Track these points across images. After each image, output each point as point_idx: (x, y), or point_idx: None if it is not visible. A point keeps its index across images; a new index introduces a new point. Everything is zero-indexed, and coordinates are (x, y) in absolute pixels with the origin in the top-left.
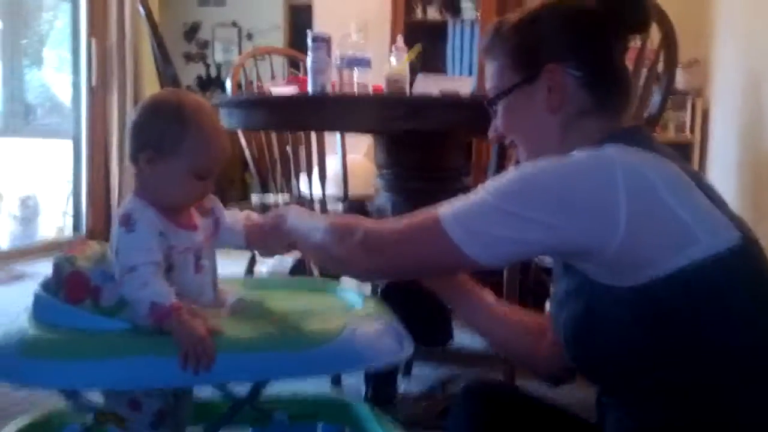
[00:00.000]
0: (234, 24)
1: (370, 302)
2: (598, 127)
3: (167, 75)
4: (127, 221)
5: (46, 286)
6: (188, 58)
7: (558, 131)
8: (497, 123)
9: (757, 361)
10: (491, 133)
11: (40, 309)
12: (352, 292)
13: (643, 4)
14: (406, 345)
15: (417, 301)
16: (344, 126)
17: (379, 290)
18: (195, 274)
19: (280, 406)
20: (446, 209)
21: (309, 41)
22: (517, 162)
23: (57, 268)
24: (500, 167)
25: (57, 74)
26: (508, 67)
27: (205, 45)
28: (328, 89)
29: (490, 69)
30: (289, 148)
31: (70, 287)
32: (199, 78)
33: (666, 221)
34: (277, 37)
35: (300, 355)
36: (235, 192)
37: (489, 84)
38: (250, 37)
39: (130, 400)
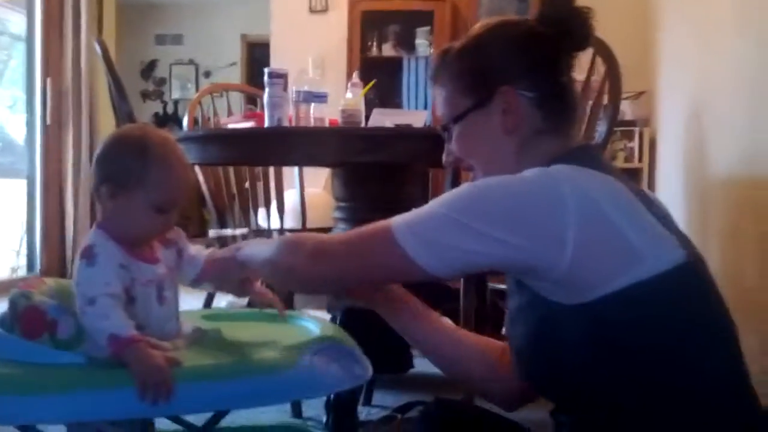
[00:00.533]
0: (191, 61)
1: (328, 328)
2: (550, 146)
3: (123, 112)
4: (89, 254)
5: (2, 322)
6: (145, 95)
7: (513, 152)
8: (451, 148)
9: (703, 380)
10: (446, 158)
11: None
12: (310, 320)
13: (587, 21)
14: (365, 369)
15: (376, 329)
16: (301, 160)
17: (338, 319)
18: (158, 306)
19: None
20: (398, 219)
21: (265, 77)
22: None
23: (12, 303)
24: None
25: (11, 114)
26: (458, 92)
27: (162, 82)
28: (285, 123)
29: (440, 96)
30: (246, 183)
31: (26, 321)
32: (156, 115)
33: (612, 241)
34: (234, 73)
35: (258, 383)
36: (192, 227)
37: (440, 110)
38: (207, 74)
39: None
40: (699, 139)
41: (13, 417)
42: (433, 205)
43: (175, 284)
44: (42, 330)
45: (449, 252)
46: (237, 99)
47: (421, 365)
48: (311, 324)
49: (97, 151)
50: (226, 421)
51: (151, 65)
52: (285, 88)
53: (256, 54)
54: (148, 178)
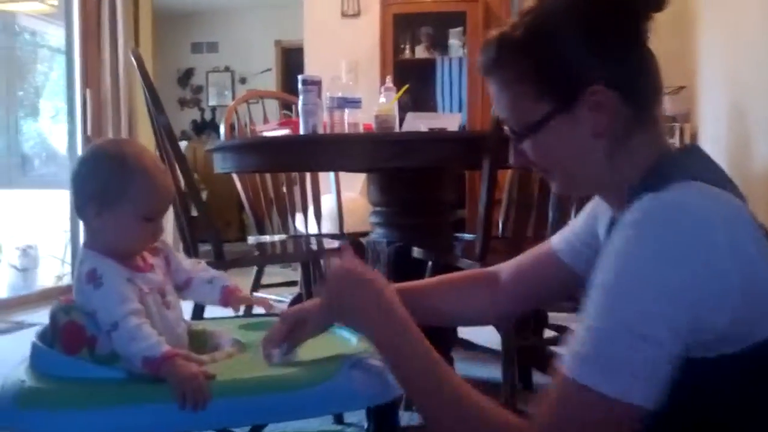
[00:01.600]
0: (227, 69)
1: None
2: (645, 145)
3: (159, 123)
4: (93, 277)
5: (43, 336)
6: (182, 103)
7: (604, 156)
8: (523, 149)
9: None
10: (515, 160)
11: (37, 359)
12: (347, 330)
13: None
14: None
15: None
16: (336, 166)
17: None
18: (166, 311)
19: None
20: (571, 363)
21: (300, 84)
22: (543, 189)
23: (53, 318)
24: (490, 198)
25: (54, 125)
26: (529, 95)
27: (199, 90)
28: (320, 130)
29: (502, 96)
30: (284, 188)
31: (66, 337)
32: (194, 122)
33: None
34: (269, 80)
35: (296, 396)
36: (232, 232)
37: (503, 111)
38: (243, 81)
39: None
40: (742, 135)
41: None
42: (586, 325)
43: (173, 288)
44: (81, 345)
45: (643, 367)
46: (273, 105)
47: (463, 368)
48: (349, 334)
49: (73, 170)
50: (268, 429)
51: (188, 73)
52: (319, 95)
53: (291, 59)
54: (132, 190)
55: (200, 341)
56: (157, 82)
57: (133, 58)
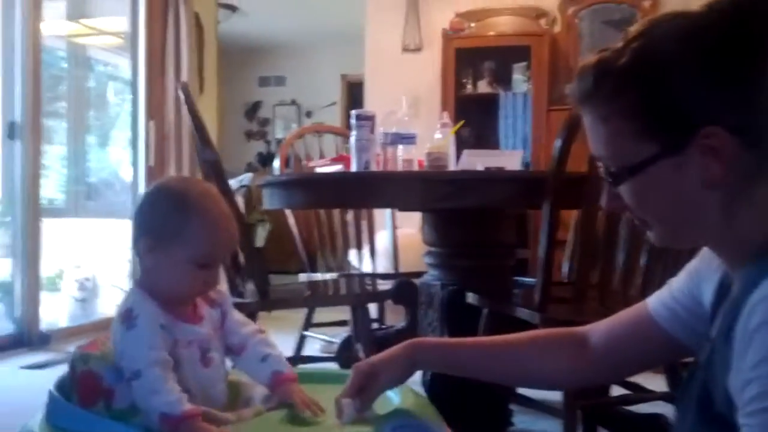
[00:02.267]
0: (293, 102)
1: (409, 396)
2: None
3: (204, 158)
4: (128, 317)
5: (62, 384)
6: (249, 135)
7: (717, 209)
8: (618, 192)
9: None
10: (608, 203)
11: (52, 411)
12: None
13: None
14: None
15: (469, 388)
16: (385, 205)
17: (425, 380)
18: (203, 369)
19: None
20: None
21: (352, 119)
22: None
23: (72, 366)
24: (550, 243)
25: (122, 155)
26: (631, 132)
27: (265, 123)
28: (372, 167)
29: (598, 129)
30: (338, 226)
31: (83, 387)
32: (260, 155)
33: None
34: (335, 113)
35: None
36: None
37: (599, 148)
38: (309, 114)
39: None
40: None
41: None
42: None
43: (221, 346)
44: (98, 397)
45: None
46: (333, 139)
47: (521, 423)
48: (391, 391)
49: (138, 203)
50: None
51: (255, 106)
52: (372, 131)
53: (356, 93)
54: (187, 232)
55: (232, 393)
56: (224, 115)
57: (181, 92)
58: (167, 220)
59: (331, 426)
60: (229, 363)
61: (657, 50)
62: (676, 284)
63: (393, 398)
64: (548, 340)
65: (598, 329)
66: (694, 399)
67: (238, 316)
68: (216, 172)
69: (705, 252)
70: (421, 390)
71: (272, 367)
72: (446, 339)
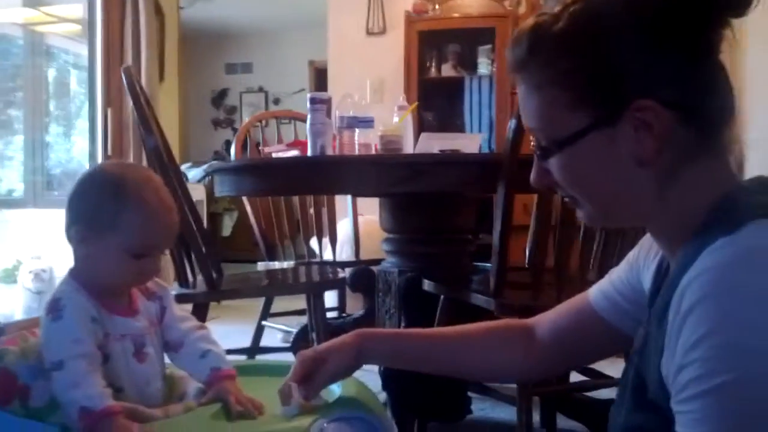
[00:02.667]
0: (261, 89)
1: (351, 387)
2: (708, 177)
3: (148, 146)
4: (55, 308)
5: None
6: (216, 123)
7: (650, 187)
8: (547, 168)
9: None
10: (536, 178)
11: None
12: None
13: None
14: None
15: (426, 376)
16: (337, 191)
17: (380, 368)
18: (137, 364)
19: None
20: None
21: (308, 103)
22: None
23: None
24: (505, 227)
25: (81, 143)
26: (564, 102)
27: (233, 110)
28: (329, 152)
29: (530, 98)
30: (298, 214)
31: None
32: (227, 143)
33: None
34: (303, 99)
35: None
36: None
37: (530, 118)
38: (277, 101)
39: None
40: None
41: None
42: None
43: (160, 341)
44: (12, 396)
45: None
46: (298, 126)
47: (479, 411)
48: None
49: (71, 188)
50: None
51: (222, 94)
52: (328, 114)
53: (324, 79)
54: (121, 220)
55: (166, 388)
56: (189, 103)
57: (123, 76)
58: (101, 208)
59: (264, 420)
60: (166, 359)
61: (595, 14)
62: (617, 274)
63: (334, 388)
64: (497, 334)
65: (543, 322)
66: (629, 386)
67: (177, 311)
68: (159, 160)
69: (645, 240)
70: (377, 378)
71: (211, 364)
72: (395, 330)
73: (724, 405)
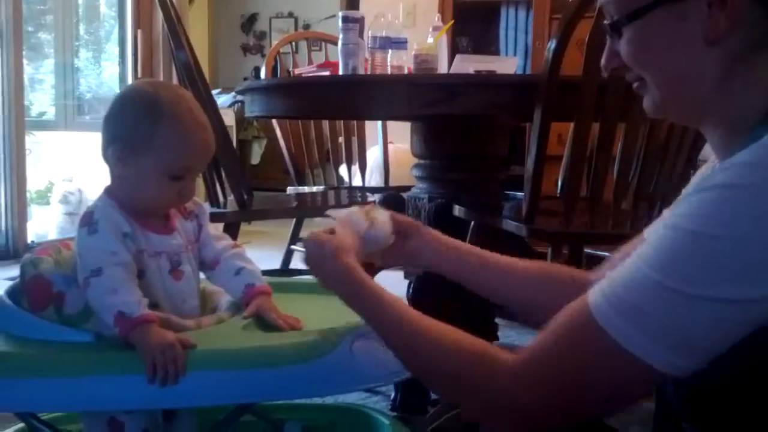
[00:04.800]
0: (290, 14)
1: None
2: None
3: (179, 61)
4: (89, 221)
5: (12, 292)
6: (246, 49)
7: (715, 71)
8: (618, 49)
9: None
10: (606, 62)
11: (2, 317)
12: None
13: None
14: None
15: (455, 297)
16: (368, 113)
17: (409, 290)
18: (173, 281)
19: (292, 415)
20: (601, 301)
21: (339, 22)
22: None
23: (22, 271)
24: (540, 152)
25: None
26: None
27: (262, 36)
28: (360, 72)
29: None
30: (328, 140)
31: (32, 292)
32: (256, 69)
33: None
34: (334, 25)
35: (286, 372)
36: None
37: None
38: (307, 27)
39: (110, 420)
40: None
41: (10, 403)
42: (643, 270)
43: (196, 260)
44: (48, 302)
45: (683, 334)
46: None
47: (506, 338)
48: None
49: (107, 109)
50: None
51: (252, 18)
52: (361, 35)
53: (356, 4)
54: (158, 140)
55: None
56: (218, 29)
57: None
58: (137, 127)
59: (293, 333)
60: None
61: None
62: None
63: None
64: (551, 276)
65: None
66: None
67: (213, 230)
68: (190, 76)
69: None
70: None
71: (245, 281)
72: (452, 239)
73: (683, 246)
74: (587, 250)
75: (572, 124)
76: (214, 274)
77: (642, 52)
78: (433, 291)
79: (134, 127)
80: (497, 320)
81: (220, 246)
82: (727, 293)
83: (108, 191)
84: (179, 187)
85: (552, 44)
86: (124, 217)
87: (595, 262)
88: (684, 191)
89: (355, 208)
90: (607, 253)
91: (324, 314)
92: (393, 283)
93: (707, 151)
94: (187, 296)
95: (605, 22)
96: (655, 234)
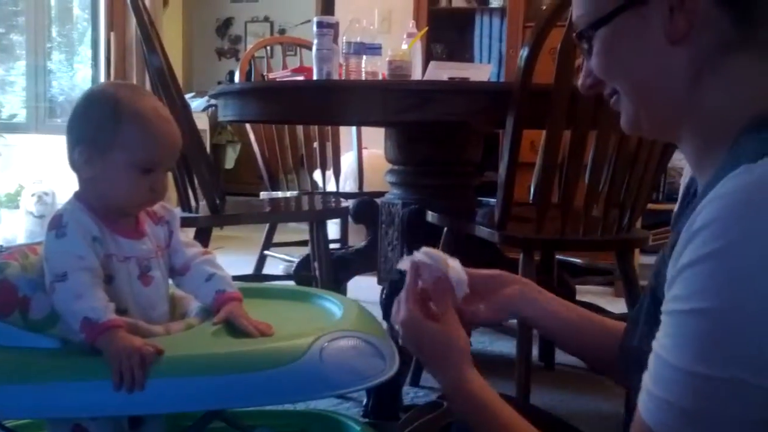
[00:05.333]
0: (266, 18)
1: (352, 312)
2: (751, 77)
3: (152, 65)
4: (58, 224)
5: None
6: (220, 53)
7: (684, 73)
8: (592, 65)
9: None
10: (582, 81)
11: None
12: (334, 299)
13: None
14: (389, 364)
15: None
16: (341, 119)
17: (382, 295)
18: (142, 287)
19: (262, 422)
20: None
21: (314, 27)
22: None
23: None
24: (512, 159)
25: (84, 70)
26: None
27: (237, 40)
28: (335, 78)
29: None
30: (302, 145)
31: None
32: (231, 73)
33: None
34: (309, 31)
35: (254, 378)
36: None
37: (577, 11)
38: (282, 32)
39: (74, 426)
40: None
41: None
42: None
43: (166, 264)
44: (12, 307)
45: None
46: (303, 55)
47: (478, 344)
48: (334, 305)
49: (71, 112)
50: None
51: (227, 23)
52: (335, 40)
53: (332, 10)
54: (124, 134)
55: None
56: (193, 33)
57: None
58: (102, 126)
59: (265, 339)
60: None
61: None
62: None
63: (335, 310)
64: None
65: None
66: (644, 308)
67: (184, 237)
68: (162, 80)
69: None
70: (376, 309)
71: (216, 287)
72: (552, 296)
73: (699, 327)
74: (558, 257)
75: (544, 132)
76: (184, 280)
77: (610, 61)
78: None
79: (98, 125)
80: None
81: (191, 252)
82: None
83: (77, 195)
84: (150, 181)
85: (524, 52)
86: (93, 221)
87: (566, 267)
88: (673, 216)
89: (430, 250)
90: (578, 260)
91: (296, 320)
92: (367, 288)
93: (676, 158)
94: (157, 302)
95: (574, 35)
96: (666, 318)
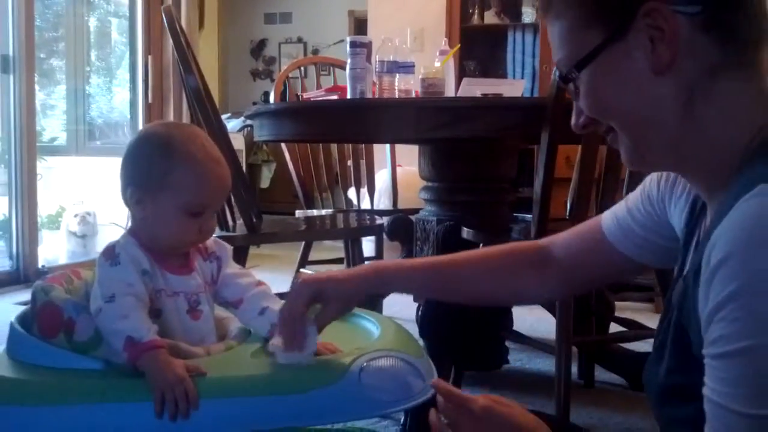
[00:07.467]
0: (300, 39)
1: (389, 331)
2: (744, 100)
3: (189, 86)
4: (111, 254)
5: (23, 318)
6: (255, 74)
7: (674, 100)
8: (581, 105)
9: None
10: (575, 121)
11: (12, 343)
12: (372, 319)
13: None
14: (426, 384)
15: (465, 323)
16: (375, 136)
17: (419, 312)
18: (191, 321)
19: None
20: None
21: (347, 47)
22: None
23: (33, 297)
24: (548, 174)
25: (122, 93)
26: (581, 22)
27: (271, 61)
28: (368, 96)
29: (556, 33)
30: (336, 161)
31: (42, 319)
32: (266, 93)
33: None
34: (342, 50)
35: (295, 400)
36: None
37: (556, 53)
38: (315, 52)
39: None
40: None
41: (16, 431)
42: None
43: (213, 298)
44: (58, 329)
45: None
46: (338, 75)
47: (517, 362)
48: (371, 323)
49: (124, 152)
50: None
51: (261, 44)
52: (368, 59)
53: (364, 30)
54: (174, 178)
55: None
56: (228, 54)
57: (164, 16)
58: (152, 168)
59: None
60: None
61: None
62: (632, 202)
63: (372, 331)
64: (513, 256)
65: (557, 242)
66: (669, 341)
67: (235, 268)
68: (199, 101)
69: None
70: (414, 326)
71: (271, 320)
72: (407, 260)
73: (748, 368)
74: None
75: (580, 147)
76: (238, 313)
77: (599, 99)
78: (443, 314)
79: (149, 168)
80: (507, 343)
81: (243, 283)
82: None
83: (131, 231)
84: (199, 223)
85: None
86: (145, 256)
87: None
88: (649, 185)
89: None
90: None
91: (334, 339)
92: (403, 304)
93: None
94: (205, 335)
95: (558, 77)
96: (712, 362)
